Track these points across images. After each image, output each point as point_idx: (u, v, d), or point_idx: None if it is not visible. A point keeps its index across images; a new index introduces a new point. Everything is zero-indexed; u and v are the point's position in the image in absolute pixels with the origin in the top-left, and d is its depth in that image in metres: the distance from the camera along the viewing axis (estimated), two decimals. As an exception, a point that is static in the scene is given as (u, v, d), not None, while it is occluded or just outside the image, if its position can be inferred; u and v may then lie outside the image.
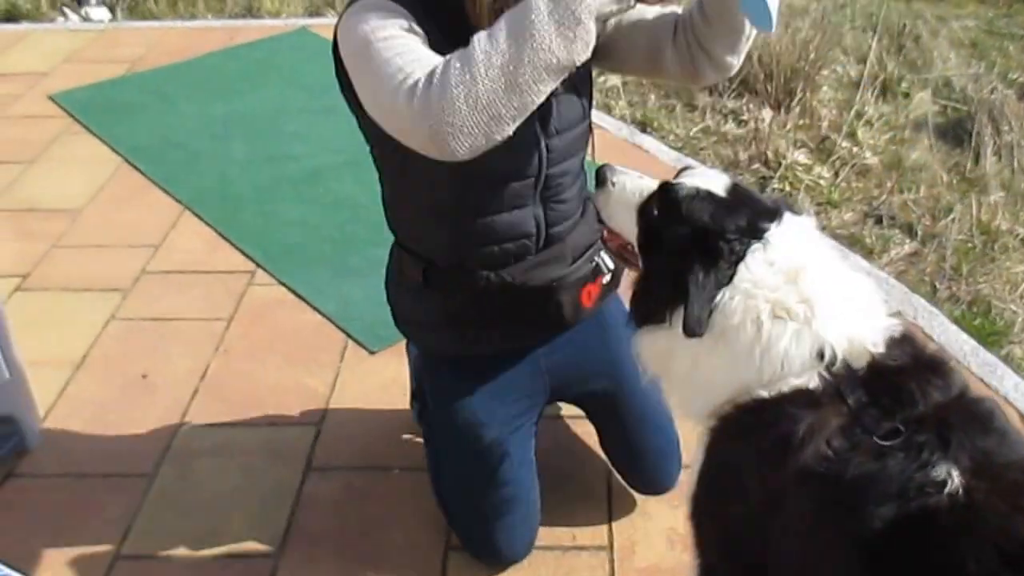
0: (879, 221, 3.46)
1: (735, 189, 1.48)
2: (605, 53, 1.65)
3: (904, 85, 4.58)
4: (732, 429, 1.42)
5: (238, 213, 3.26)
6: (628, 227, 1.57)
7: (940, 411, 1.29)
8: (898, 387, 1.31)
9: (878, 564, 1.21)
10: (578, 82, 1.66)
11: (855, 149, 3.95)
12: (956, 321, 2.82)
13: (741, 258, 1.39)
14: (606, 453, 2.13)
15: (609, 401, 2.00)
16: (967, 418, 1.28)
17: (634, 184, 1.57)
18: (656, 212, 1.50)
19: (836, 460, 1.26)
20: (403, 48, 1.39)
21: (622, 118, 4.17)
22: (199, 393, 2.48)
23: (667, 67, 1.71)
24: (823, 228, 1.49)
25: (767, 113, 4.20)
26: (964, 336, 2.70)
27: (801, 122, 4.14)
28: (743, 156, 3.87)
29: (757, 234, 1.40)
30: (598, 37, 1.34)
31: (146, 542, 2.08)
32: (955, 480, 1.19)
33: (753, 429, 1.37)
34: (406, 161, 1.51)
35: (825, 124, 4.14)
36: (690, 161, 3.73)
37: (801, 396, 1.33)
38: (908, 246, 3.29)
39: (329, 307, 2.76)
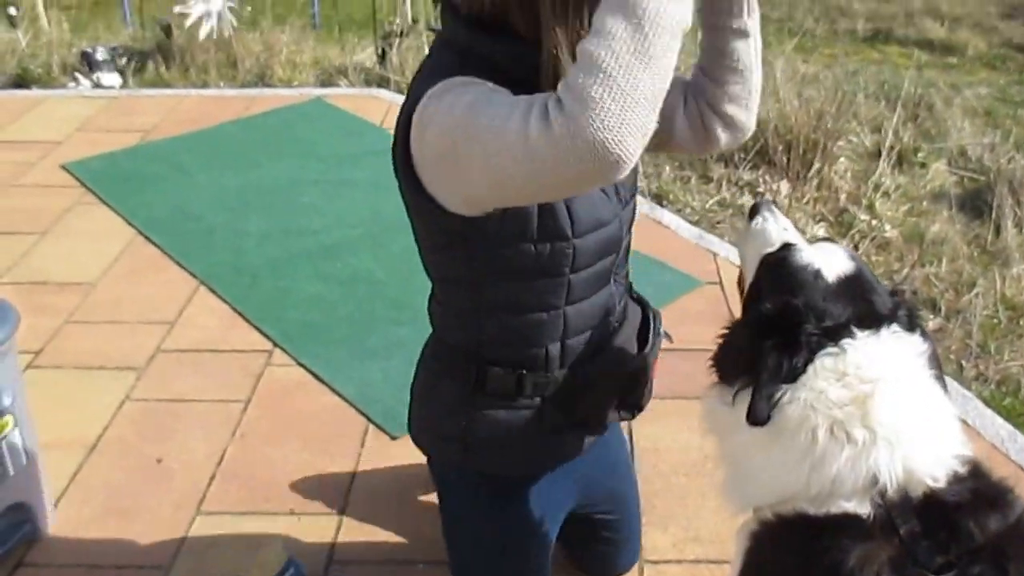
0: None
1: (851, 278, 1.41)
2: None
3: (920, 155, 4.66)
4: (774, 542, 1.39)
5: (254, 289, 3.29)
6: (750, 269, 1.54)
7: (996, 540, 1.26)
8: (955, 522, 1.27)
9: None
10: None
11: (874, 222, 4.01)
12: (988, 403, 2.82)
13: (812, 359, 1.33)
14: (570, 552, 2.12)
15: (605, 526, 2.01)
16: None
17: (775, 232, 1.53)
18: (768, 268, 1.47)
19: None
20: (504, 99, 1.29)
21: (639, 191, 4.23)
22: (216, 479, 2.48)
23: (680, 137, 1.71)
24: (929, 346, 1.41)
25: (784, 185, 4.27)
26: (1000, 420, 2.69)
27: (818, 194, 4.20)
28: (762, 229, 3.90)
29: (841, 336, 1.34)
30: None
31: (162, 640, 2.06)
32: None
33: (797, 550, 1.34)
34: (499, 260, 1.49)
35: (843, 196, 4.20)
36: (711, 239, 3.77)
37: (851, 523, 1.29)
38: (932, 322, 3.30)
39: (349, 390, 2.77)
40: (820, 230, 3.90)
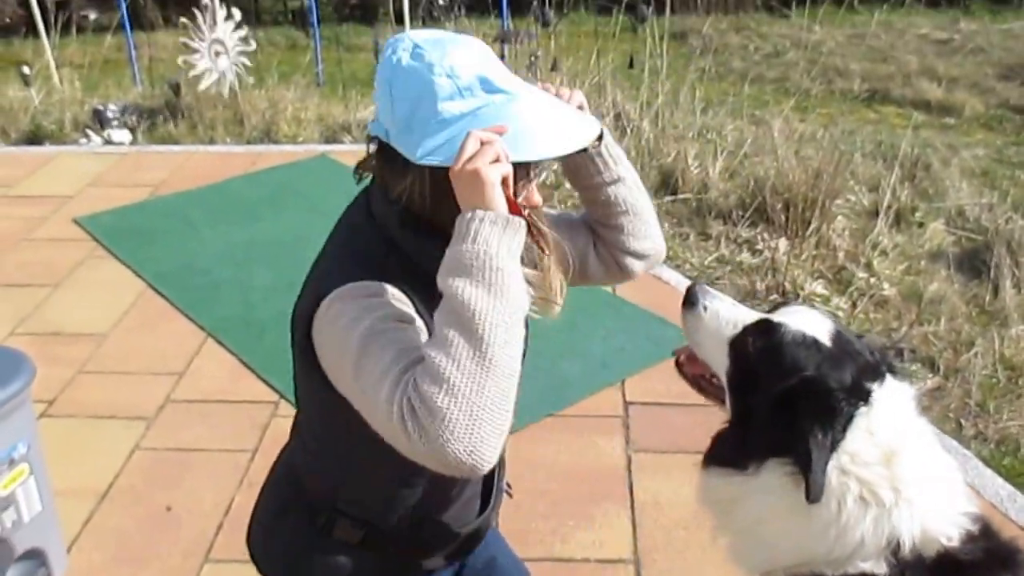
0: (899, 354, 3.53)
1: (839, 337, 1.43)
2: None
3: (918, 215, 4.76)
4: None
5: (261, 341, 3.40)
6: (717, 358, 1.50)
7: None
8: None
9: None
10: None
11: (872, 280, 4.09)
12: (987, 462, 2.88)
13: (850, 421, 1.35)
14: None
15: None
16: None
17: (728, 313, 1.51)
18: (755, 351, 1.44)
19: None
20: (389, 348, 1.30)
21: (638, 246, 4.34)
22: (224, 528, 2.55)
23: (597, 275, 1.76)
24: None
25: (782, 243, 4.37)
26: (1000, 480, 2.76)
27: (817, 252, 4.31)
28: (760, 286, 4.01)
29: (863, 395, 1.36)
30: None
31: None
32: None
33: None
34: (375, 436, 1.37)
35: (841, 254, 4.30)
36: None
37: None
38: (931, 381, 3.37)
39: (354, 440, 2.85)
40: (819, 287, 4.01)
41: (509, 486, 1.91)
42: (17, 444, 2.22)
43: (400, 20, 6.85)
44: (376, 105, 1.42)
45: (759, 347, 1.44)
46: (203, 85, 5.74)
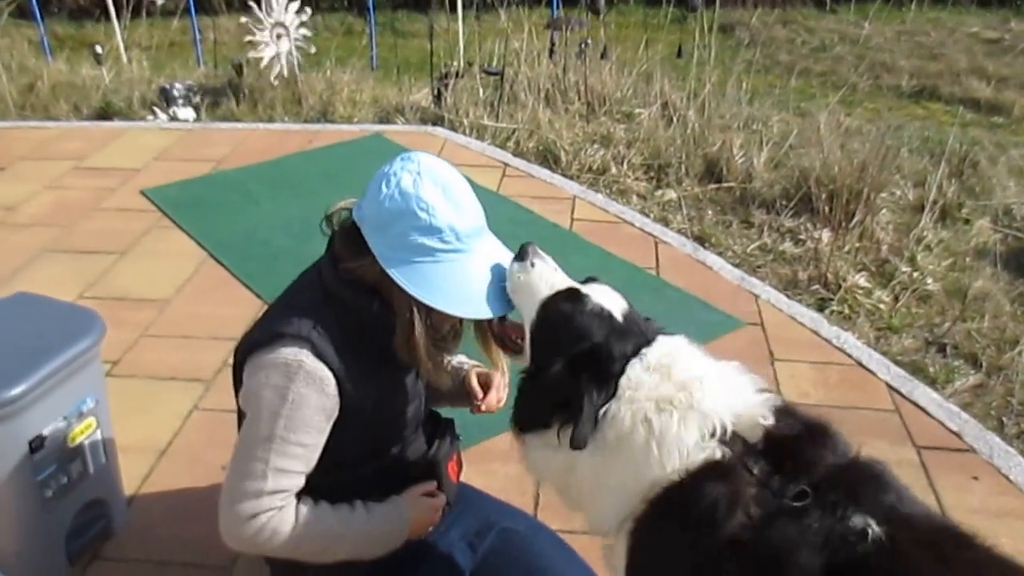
0: (942, 350, 3.46)
1: (630, 315, 1.61)
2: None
3: (964, 211, 4.64)
4: (651, 524, 1.47)
5: (315, 311, 3.41)
6: (527, 312, 1.63)
7: (842, 472, 1.39)
8: (796, 453, 1.41)
9: None
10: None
11: (915, 274, 3.99)
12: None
13: (623, 373, 1.51)
14: None
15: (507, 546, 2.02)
16: (867, 478, 1.40)
17: (550, 276, 1.63)
18: (561, 313, 1.58)
19: (760, 526, 1.35)
20: (289, 455, 1.64)
21: (680, 232, 4.30)
22: (276, 487, 2.58)
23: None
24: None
25: (826, 234, 4.29)
26: (1048, 483, 2.68)
27: (860, 244, 4.22)
28: (802, 276, 3.94)
29: (637, 354, 1.52)
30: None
31: (224, 635, 2.15)
32: (875, 529, 1.29)
33: (672, 514, 1.44)
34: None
35: (885, 247, 4.21)
36: (754, 281, 3.83)
37: (710, 469, 1.42)
38: (973, 378, 3.28)
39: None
40: (861, 279, 3.91)
41: (458, 436, 2.04)
42: (86, 398, 2.26)
43: (453, 7, 6.82)
44: (366, 191, 1.67)
45: (564, 310, 1.58)
46: (273, 74, 5.78)
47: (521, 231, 3.94)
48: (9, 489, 2.12)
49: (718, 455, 1.41)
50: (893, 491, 1.39)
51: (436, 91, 5.77)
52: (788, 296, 3.75)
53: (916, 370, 3.29)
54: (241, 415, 1.80)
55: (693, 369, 1.50)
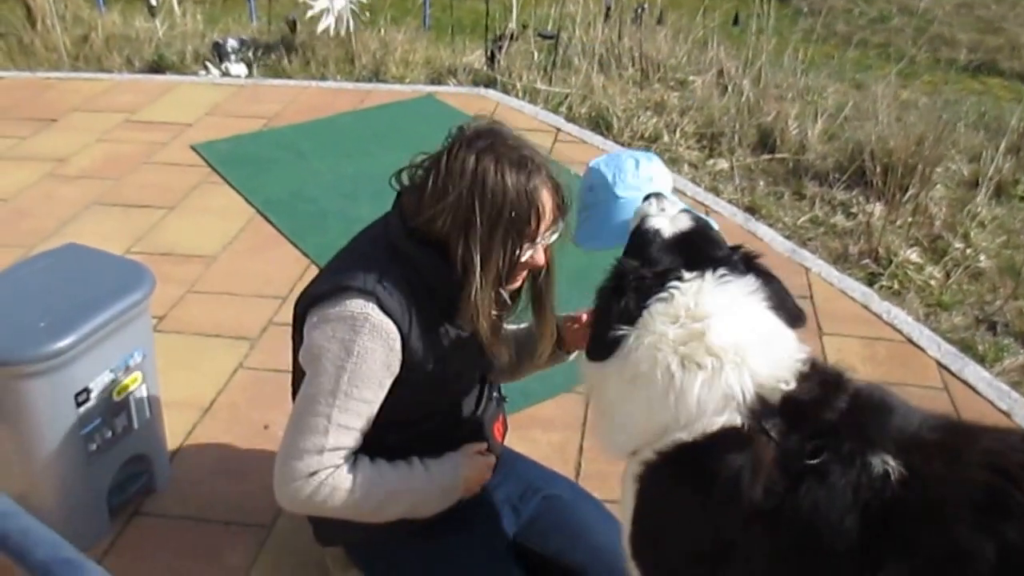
0: (992, 328, 3.33)
1: (688, 234, 1.57)
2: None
3: (1020, 188, 4.44)
4: (662, 477, 1.45)
5: (361, 272, 3.34)
6: (625, 231, 1.69)
7: (848, 416, 1.37)
8: (811, 412, 1.38)
9: (873, 567, 1.25)
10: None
11: (968, 250, 3.83)
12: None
13: (644, 303, 1.47)
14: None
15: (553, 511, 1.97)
16: (870, 410, 1.38)
17: (667, 202, 1.66)
18: (628, 241, 1.65)
19: (783, 493, 1.32)
20: (352, 412, 1.61)
21: (731, 202, 4.15)
22: (317, 448, 2.52)
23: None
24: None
25: (878, 207, 4.12)
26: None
27: (913, 219, 4.04)
28: (853, 250, 3.78)
29: (669, 279, 1.48)
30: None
31: (262, 595, 2.11)
32: (893, 466, 1.27)
33: (686, 476, 1.41)
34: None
35: (938, 223, 4.03)
36: (805, 254, 3.68)
37: (726, 436, 1.38)
38: (1023, 357, 3.15)
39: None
40: (913, 254, 3.75)
41: (504, 397, 2.02)
42: (134, 352, 2.20)
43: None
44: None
45: (635, 226, 1.63)
46: (320, 28, 5.66)
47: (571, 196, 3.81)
48: (55, 441, 2.08)
49: (738, 421, 1.38)
50: (897, 412, 1.38)
51: (490, 53, 5.61)
52: (838, 270, 3.60)
53: (965, 348, 3.16)
54: (297, 372, 1.75)
55: (730, 334, 1.43)
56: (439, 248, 1.61)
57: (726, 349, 1.41)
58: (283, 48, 5.82)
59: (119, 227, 3.69)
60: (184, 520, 2.32)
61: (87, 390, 2.08)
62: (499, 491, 1.93)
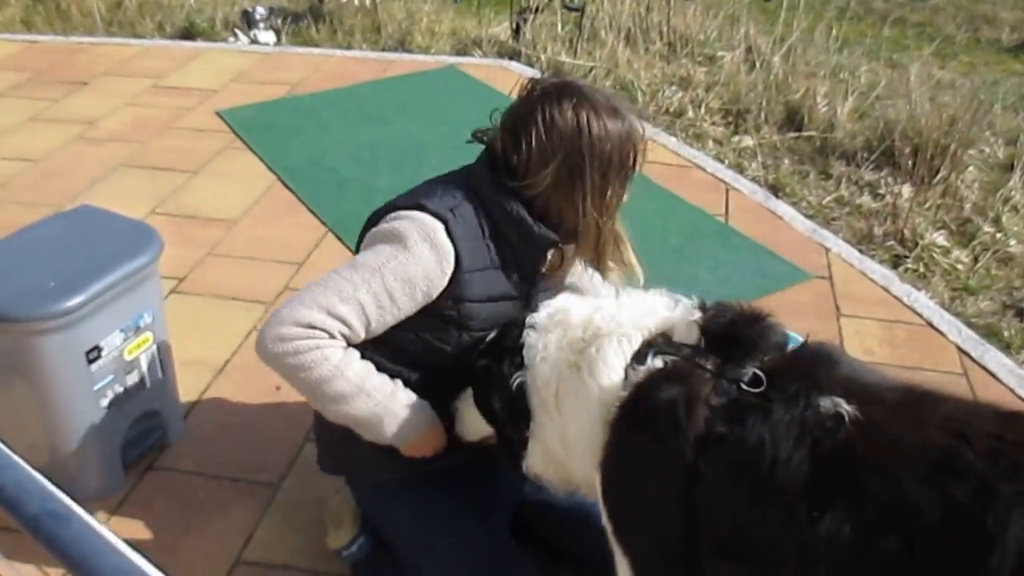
0: (1020, 314, 3.26)
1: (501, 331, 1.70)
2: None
3: (1057, 174, 4.33)
4: (617, 443, 1.47)
5: (378, 240, 3.35)
6: (482, 422, 1.75)
7: (793, 360, 1.38)
8: (736, 337, 1.41)
9: (823, 504, 1.25)
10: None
11: (999, 235, 3.74)
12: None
13: (516, 348, 1.57)
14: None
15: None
16: (819, 360, 1.39)
17: (462, 404, 1.78)
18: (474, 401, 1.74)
19: (727, 420, 1.33)
20: (374, 295, 1.65)
21: (754, 180, 4.09)
22: (327, 411, 2.55)
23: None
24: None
25: (906, 189, 4.04)
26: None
27: (942, 201, 3.96)
28: (878, 231, 3.72)
29: (515, 342, 1.60)
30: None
31: (266, 551, 2.15)
32: (847, 409, 1.27)
33: (635, 427, 1.43)
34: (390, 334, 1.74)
35: (968, 206, 3.94)
36: (825, 233, 3.63)
37: (656, 376, 1.41)
38: (1053, 346, 3.09)
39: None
40: (940, 237, 3.67)
41: None
42: (143, 313, 2.24)
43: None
44: None
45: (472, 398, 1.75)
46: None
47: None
48: (68, 396, 2.14)
49: (659, 364, 1.42)
50: (847, 365, 1.38)
51: (515, 25, 5.57)
52: (860, 251, 3.55)
53: (990, 333, 3.10)
54: None
55: (586, 308, 1.56)
56: (527, 204, 1.70)
57: (592, 316, 1.54)
58: (311, 16, 5.82)
59: (144, 189, 3.75)
60: (195, 475, 2.37)
61: (98, 348, 2.13)
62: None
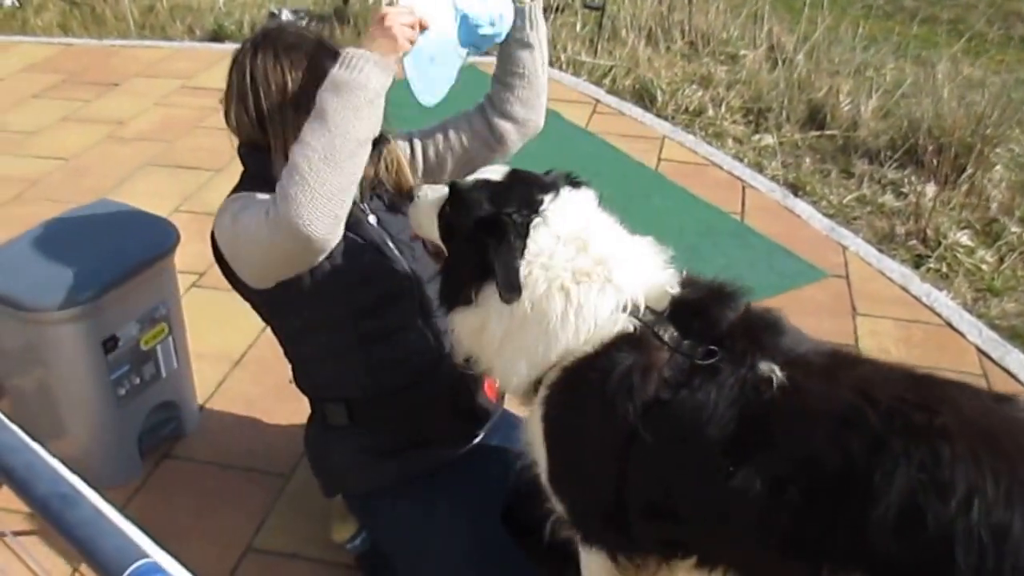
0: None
1: (512, 173, 1.65)
2: (430, 173, 1.96)
3: (1087, 174, 4.24)
4: (566, 391, 1.53)
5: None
6: (433, 229, 1.71)
7: (741, 324, 1.46)
8: (701, 316, 1.47)
9: (740, 459, 1.34)
10: None
11: (1025, 235, 3.69)
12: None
13: (527, 232, 1.51)
14: None
15: None
16: (764, 325, 1.47)
17: (434, 193, 1.72)
18: (449, 208, 1.65)
19: (675, 387, 1.41)
20: (257, 205, 1.63)
21: (774, 179, 4.06)
22: (339, 404, 2.58)
23: (473, 151, 1.94)
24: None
25: (930, 188, 3.98)
26: None
27: (967, 200, 3.90)
28: (900, 230, 3.68)
29: (533, 205, 1.54)
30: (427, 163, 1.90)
31: (276, 539, 2.19)
32: (778, 374, 1.36)
33: (588, 383, 1.48)
34: (302, 311, 1.79)
35: (995, 206, 3.88)
36: (843, 231, 3.60)
37: (622, 341, 1.46)
38: (1080, 348, 3.03)
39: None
40: (964, 237, 3.61)
41: None
42: (158, 305, 2.30)
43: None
44: None
45: (450, 204, 1.65)
46: (382, -5, 5.69)
47: (604, 168, 3.79)
48: (85, 385, 2.20)
49: (630, 328, 1.46)
50: (788, 334, 1.47)
51: (535, 24, 5.56)
52: (880, 250, 3.51)
53: (1014, 335, 3.05)
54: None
55: (609, 244, 1.53)
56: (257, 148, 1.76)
57: (610, 257, 1.50)
58: (336, 19, 5.88)
59: (169, 187, 3.82)
60: (209, 465, 2.42)
61: (114, 338, 2.18)
62: (494, 452, 1.95)
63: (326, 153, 1.48)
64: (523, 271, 1.49)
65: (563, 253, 1.50)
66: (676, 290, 1.51)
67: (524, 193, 1.57)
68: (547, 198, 1.56)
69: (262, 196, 1.65)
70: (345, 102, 1.50)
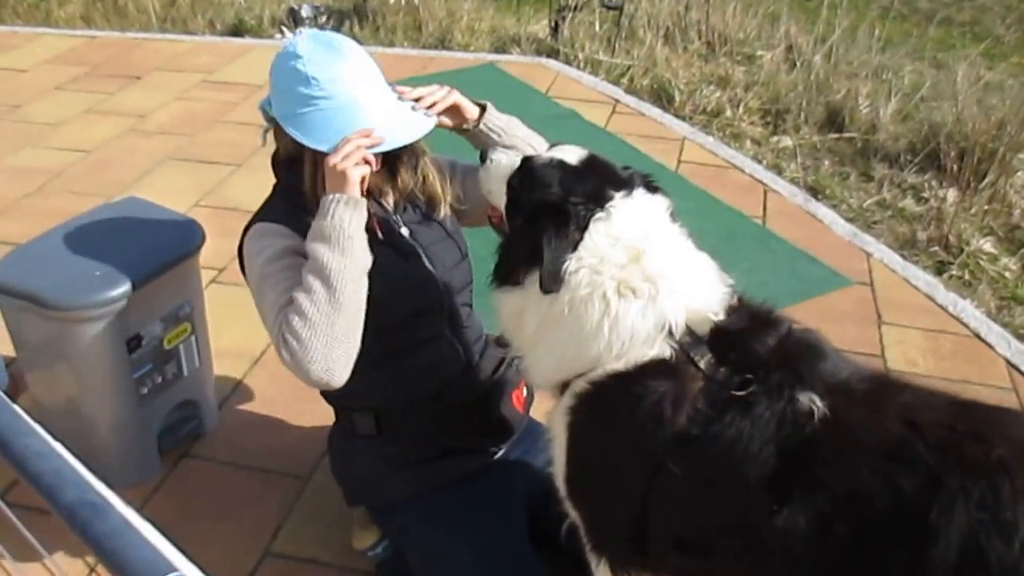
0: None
1: (590, 160, 1.55)
2: (467, 217, 1.92)
3: (1110, 181, 4.14)
4: (594, 407, 1.45)
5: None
6: (501, 198, 1.63)
7: (779, 350, 1.37)
8: (741, 345, 1.38)
9: (780, 499, 1.26)
10: (452, 232, 1.87)
11: (1050, 243, 3.60)
12: None
13: (586, 225, 1.42)
14: None
15: None
16: (804, 350, 1.38)
17: (509, 160, 1.63)
18: (516, 180, 1.57)
19: (708, 420, 1.32)
20: (278, 280, 1.64)
21: (793, 181, 3.98)
22: (359, 405, 2.52)
23: (467, 207, 1.89)
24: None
25: (952, 193, 3.89)
26: None
27: (989, 206, 3.81)
28: (921, 236, 3.59)
29: (601, 201, 1.45)
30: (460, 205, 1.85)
31: (294, 543, 2.13)
32: (819, 405, 1.28)
33: (618, 405, 1.40)
34: None
35: (1017, 212, 3.79)
36: (867, 238, 3.51)
37: (656, 366, 1.38)
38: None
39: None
40: (987, 244, 3.53)
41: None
42: (183, 304, 2.24)
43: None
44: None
45: (518, 176, 1.57)
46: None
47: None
48: (109, 383, 2.14)
49: (667, 352, 1.39)
50: (829, 357, 1.39)
51: (554, 23, 5.49)
52: (903, 257, 3.42)
53: (1038, 346, 2.96)
54: None
55: (665, 260, 1.43)
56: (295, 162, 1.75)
57: (662, 275, 1.41)
58: (355, 15, 5.81)
59: (189, 181, 3.76)
60: (227, 465, 2.36)
61: (138, 337, 2.12)
62: (518, 464, 1.91)
63: (329, 297, 1.53)
64: (571, 267, 1.41)
65: (615, 258, 1.41)
66: (721, 315, 1.43)
67: (596, 184, 1.48)
68: (618, 195, 1.46)
69: (284, 254, 1.67)
70: (331, 246, 1.55)
